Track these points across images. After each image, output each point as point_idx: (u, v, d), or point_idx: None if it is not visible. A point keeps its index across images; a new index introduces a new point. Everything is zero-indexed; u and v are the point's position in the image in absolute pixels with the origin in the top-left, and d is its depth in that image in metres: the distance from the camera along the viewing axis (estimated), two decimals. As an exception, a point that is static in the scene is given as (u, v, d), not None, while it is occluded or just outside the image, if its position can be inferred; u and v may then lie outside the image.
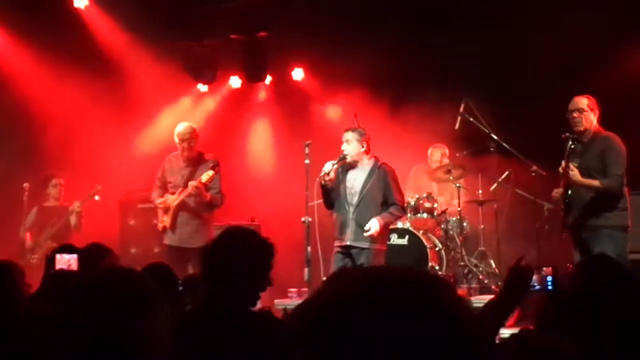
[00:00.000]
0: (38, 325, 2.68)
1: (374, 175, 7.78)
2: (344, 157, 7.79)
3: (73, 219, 9.89)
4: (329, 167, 7.74)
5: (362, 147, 7.82)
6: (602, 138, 7.19)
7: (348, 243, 7.72)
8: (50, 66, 10.70)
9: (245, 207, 9.98)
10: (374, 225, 7.60)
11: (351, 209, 7.76)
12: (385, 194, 7.77)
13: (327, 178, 7.75)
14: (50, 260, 4.11)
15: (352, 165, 7.86)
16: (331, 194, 7.87)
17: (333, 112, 11.10)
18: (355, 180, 7.82)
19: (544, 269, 3.30)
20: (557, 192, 7.43)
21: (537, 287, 3.24)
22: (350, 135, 7.80)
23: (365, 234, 7.61)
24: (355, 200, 7.76)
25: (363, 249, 7.68)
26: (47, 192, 10.08)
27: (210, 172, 8.34)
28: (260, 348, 3.39)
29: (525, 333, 2.57)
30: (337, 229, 7.88)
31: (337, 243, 7.87)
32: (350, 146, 7.77)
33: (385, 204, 7.78)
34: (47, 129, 10.71)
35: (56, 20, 10.61)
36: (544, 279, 3.25)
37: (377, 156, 7.97)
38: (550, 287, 3.28)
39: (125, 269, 2.26)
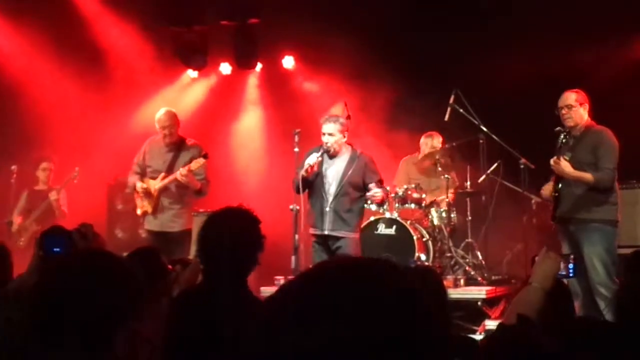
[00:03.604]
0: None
1: (354, 164, 7.78)
2: (327, 150, 7.77)
3: (54, 203, 9.87)
4: (313, 159, 7.73)
5: (344, 137, 7.85)
6: (595, 132, 7.19)
7: (326, 233, 7.76)
8: (39, 49, 10.65)
9: (234, 194, 9.92)
10: (377, 192, 7.70)
11: (329, 198, 7.77)
12: (365, 180, 7.78)
13: (310, 171, 7.73)
14: (39, 242, 4.09)
15: (331, 155, 7.87)
16: (306, 181, 7.84)
17: (323, 100, 11.07)
18: (334, 170, 7.83)
19: (570, 256, 3.33)
20: (545, 189, 7.45)
21: (563, 274, 3.26)
22: (332, 128, 7.75)
23: (373, 197, 7.69)
24: (333, 189, 7.77)
25: (339, 238, 7.73)
26: (37, 175, 10.05)
27: (201, 160, 8.22)
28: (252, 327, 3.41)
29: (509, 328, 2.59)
30: (313, 218, 7.90)
31: (313, 231, 7.90)
32: (333, 138, 7.74)
33: (364, 188, 7.81)
34: (35, 113, 10.64)
35: (45, 3, 10.55)
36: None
37: (352, 143, 8.01)
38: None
39: (111, 255, 2.22)
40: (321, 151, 7.79)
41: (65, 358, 1.94)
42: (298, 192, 7.86)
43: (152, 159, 8.57)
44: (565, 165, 7.03)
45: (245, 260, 3.64)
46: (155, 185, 8.45)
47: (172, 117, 8.54)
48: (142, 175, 8.59)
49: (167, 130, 8.45)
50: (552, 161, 7.13)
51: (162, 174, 8.43)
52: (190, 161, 8.31)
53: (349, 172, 7.76)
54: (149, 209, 8.48)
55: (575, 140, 7.20)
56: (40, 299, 2.02)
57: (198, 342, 3.40)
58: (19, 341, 2.15)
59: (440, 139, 9.88)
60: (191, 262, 5.01)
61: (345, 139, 7.87)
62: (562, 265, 3.19)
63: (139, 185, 8.50)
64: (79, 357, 1.94)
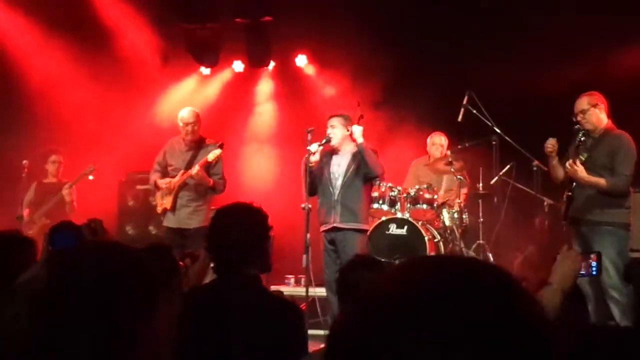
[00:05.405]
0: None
1: (357, 158, 8.00)
2: (328, 140, 8.04)
3: (67, 198, 9.86)
4: (315, 147, 7.99)
5: (347, 131, 8.09)
6: (614, 136, 7.11)
7: (335, 225, 7.93)
8: (53, 44, 10.66)
9: (246, 192, 9.92)
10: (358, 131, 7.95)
11: (336, 192, 7.99)
12: (365, 168, 7.97)
13: (312, 158, 7.95)
14: (48, 236, 4.09)
15: (336, 151, 8.12)
16: (315, 180, 8.06)
17: (336, 99, 11.04)
18: (339, 164, 8.09)
19: (591, 255, 3.29)
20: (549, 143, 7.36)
21: (583, 273, 3.21)
22: (336, 121, 8.11)
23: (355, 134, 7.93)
24: (339, 183, 8.01)
25: (348, 230, 7.90)
26: (46, 168, 10.07)
27: (218, 151, 8.47)
28: (262, 323, 3.40)
29: None
30: (322, 213, 8.09)
31: (324, 228, 8.06)
32: (336, 130, 8.06)
33: (366, 177, 8.06)
34: (49, 108, 10.67)
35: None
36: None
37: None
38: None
39: (125, 247, 2.14)
40: (324, 140, 8.06)
41: (78, 357, 1.87)
42: (311, 193, 8.05)
43: (172, 158, 8.79)
44: (580, 171, 6.98)
45: (254, 252, 3.62)
46: (173, 182, 8.63)
47: (196, 116, 8.80)
48: (163, 174, 8.80)
49: (189, 127, 8.68)
50: (567, 164, 7.07)
51: (181, 172, 8.61)
52: None
53: (353, 166, 8.00)
54: (168, 206, 8.63)
55: (593, 142, 7.14)
56: (51, 296, 1.93)
57: (209, 340, 3.38)
58: (26, 337, 2.08)
59: (443, 137, 9.89)
60: (200, 256, 5.00)
61: (348, 133, 8.09)
62: (583, 264, 3.15)
63: (162, 182, 8.69)
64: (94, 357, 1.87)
